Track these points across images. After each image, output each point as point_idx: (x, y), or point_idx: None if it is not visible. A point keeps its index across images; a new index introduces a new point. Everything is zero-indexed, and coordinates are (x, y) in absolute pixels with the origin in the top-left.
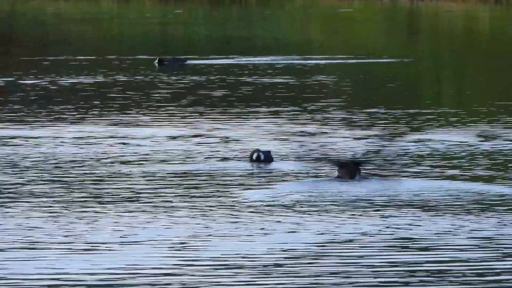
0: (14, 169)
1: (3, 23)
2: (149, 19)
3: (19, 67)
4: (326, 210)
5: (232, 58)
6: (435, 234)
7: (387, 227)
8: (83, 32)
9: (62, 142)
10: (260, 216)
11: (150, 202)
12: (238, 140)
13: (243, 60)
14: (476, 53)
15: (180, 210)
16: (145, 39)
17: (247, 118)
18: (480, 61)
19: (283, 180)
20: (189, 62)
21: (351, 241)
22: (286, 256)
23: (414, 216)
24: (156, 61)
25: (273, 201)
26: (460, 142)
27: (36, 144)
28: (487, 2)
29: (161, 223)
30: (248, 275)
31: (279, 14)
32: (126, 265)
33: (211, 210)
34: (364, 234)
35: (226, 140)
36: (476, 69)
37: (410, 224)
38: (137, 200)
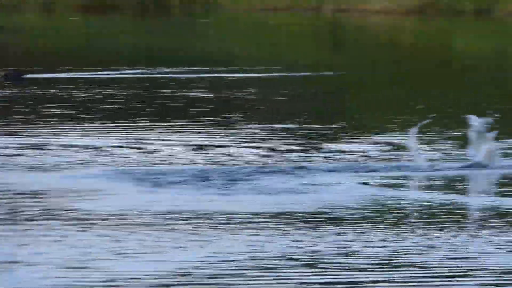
0: None
1: None
2: (72, 30)
3: None
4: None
5: (146, 69)
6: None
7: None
8: (4, 44)
9: None
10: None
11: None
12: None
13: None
14: (403, 65)
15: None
16: (68, 52)
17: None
18: (406, 72)
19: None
20: (28, 75)
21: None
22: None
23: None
24: (3, 75)
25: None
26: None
27: None
28: (411, 15)
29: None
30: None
31: (203, 25)
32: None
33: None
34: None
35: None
36: (401, 81)
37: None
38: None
